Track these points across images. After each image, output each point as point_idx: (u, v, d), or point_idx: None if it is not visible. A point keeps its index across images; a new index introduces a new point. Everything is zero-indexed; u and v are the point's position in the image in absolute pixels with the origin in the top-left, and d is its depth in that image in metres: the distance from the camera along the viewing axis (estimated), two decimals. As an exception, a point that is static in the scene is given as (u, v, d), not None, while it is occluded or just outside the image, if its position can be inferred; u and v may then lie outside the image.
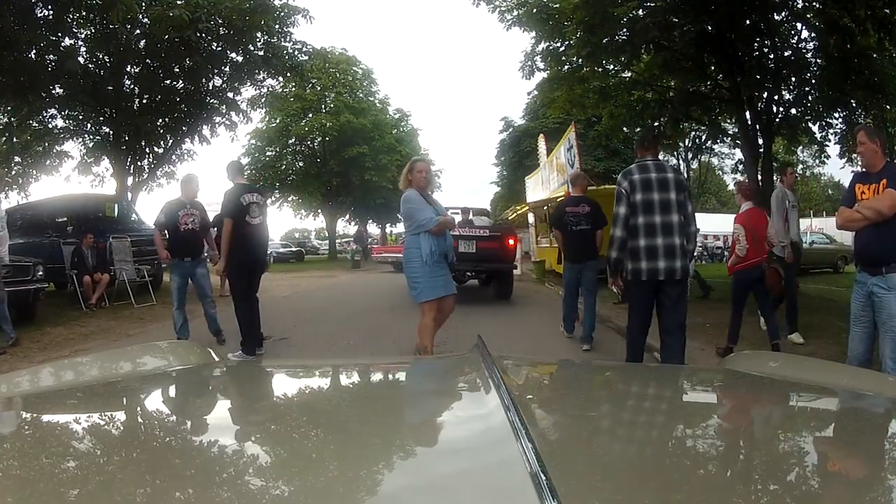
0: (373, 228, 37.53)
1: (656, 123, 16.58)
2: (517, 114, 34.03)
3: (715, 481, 0.77)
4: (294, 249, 33.67)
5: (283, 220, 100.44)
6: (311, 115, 29.69)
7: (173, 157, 14.04)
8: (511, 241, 10.50)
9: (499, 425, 0.77)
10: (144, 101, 13.44)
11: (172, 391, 1.30)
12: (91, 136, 13.88)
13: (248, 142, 30.12)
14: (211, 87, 14.05)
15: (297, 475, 0.75)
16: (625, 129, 17.87)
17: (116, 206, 12.89)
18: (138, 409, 1.14)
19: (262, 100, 15.45)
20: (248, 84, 14.52)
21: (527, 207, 19.00)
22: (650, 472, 0.78)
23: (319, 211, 33.27)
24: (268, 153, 30.85)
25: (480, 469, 0.73)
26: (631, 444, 0.94)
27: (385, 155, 30.11)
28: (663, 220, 4.12)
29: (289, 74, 14.50)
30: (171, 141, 13.89)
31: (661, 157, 4.60)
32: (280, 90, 18.07)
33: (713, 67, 13.13)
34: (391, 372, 1.52)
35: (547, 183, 16.92)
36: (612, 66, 13.83)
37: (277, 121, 29.66)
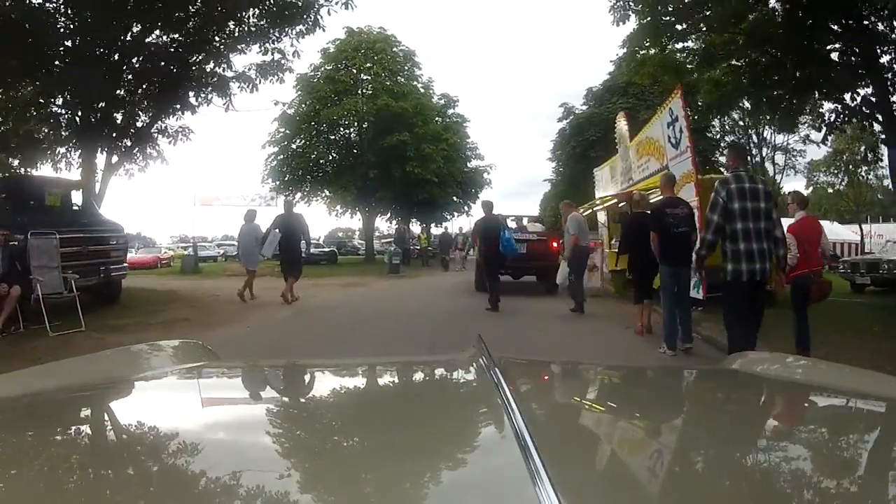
0: (416, 228, 34.12)
1: (777, 93, 13.37)
2: (577, 101, 30.15)
3: (715, 482, 0.75)
4: (327, 250, 30.74)
5: (323, 219, 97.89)
6: (344, 100, 26.68)
7: (155, 133, 11.09)
8: (555, 244, 12.65)
9: (499, 425, 0.76)
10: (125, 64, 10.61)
11: (172, 391, 1.23)
12: (60, 113, 11.10)
13: (276, 130, 27.36)
14: (210, 49, 11.22)
15: (298, 474, 0.73)
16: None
17: (80, 192, 10.04)
18: (138, 408, 1.10)
19: (278, 67, 12.39)
20: (256, 44, 11.64)
21: (601, 204, 15.03)
22: (651, 473, 0.77)
23: (357, 209, 30.23)
24: (296, 142, 27.95)
25: (480, 469, 0.73)
26: (631, 444, 0.92)
27: (429, 144, 26.61)
28: (755, 227, 4.89)
29: (303, 27, 11.41)
30: (151, 113, 10.90)
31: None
32: (306, 69, 15.14)
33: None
34: (391, 372, 1.48)
35: (627, 173, 13.42)
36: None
37: (307, 105, 26.78)
